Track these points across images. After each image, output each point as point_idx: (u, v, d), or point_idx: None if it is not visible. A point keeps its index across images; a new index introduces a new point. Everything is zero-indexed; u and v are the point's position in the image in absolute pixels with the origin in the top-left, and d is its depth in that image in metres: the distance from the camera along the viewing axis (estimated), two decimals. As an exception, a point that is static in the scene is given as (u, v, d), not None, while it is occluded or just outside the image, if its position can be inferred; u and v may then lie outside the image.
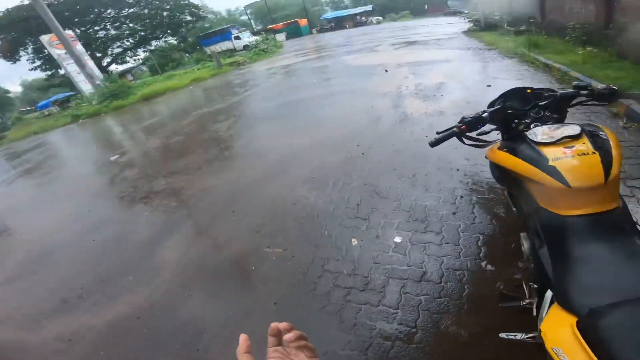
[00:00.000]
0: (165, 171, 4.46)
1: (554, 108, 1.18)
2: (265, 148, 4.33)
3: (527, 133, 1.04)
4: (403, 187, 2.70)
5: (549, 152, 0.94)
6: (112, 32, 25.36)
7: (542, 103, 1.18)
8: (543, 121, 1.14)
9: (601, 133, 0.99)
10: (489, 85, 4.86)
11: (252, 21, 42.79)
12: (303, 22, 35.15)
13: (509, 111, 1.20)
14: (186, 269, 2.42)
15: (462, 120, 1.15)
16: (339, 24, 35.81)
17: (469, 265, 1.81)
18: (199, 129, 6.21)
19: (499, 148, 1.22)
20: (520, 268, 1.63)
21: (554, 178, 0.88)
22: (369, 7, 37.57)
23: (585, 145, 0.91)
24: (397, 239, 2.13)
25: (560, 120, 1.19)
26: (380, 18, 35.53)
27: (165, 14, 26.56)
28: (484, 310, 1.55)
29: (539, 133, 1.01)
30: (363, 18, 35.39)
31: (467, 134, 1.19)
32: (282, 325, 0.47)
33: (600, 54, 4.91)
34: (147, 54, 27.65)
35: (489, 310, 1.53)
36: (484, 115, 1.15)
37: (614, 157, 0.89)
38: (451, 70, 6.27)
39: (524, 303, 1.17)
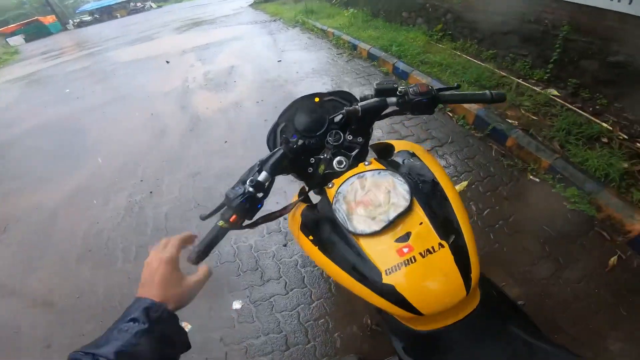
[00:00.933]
0: None
1: (357, 126, 0.81)
2: None
3: (335, 207, 0.67)
4: (215, 228, 1.91)
5: (378, 257, 0.60)
6: None
7: (338, 119, 0.81)
8: (346, 150, 0.80)
9: (424, 172, 0.73)
10: (280, 60, 4.57)
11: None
12: (49, 19, 26.34)
13: (299, 145, 0.78)
14: None
15: (229, 204, 0.60)
16: (107, 14, 28.99)
17: (327, 309, 1.55)
18: None
19: (302, 227, 0.77)
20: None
21: (399, 306, 0.58)
22: (146, -10, 32.07)
23: (423, 225, 0.61)
24: (237, 305, 1.68)
25: (366, 143, 0.85)
26: None
27: None
28: (368, 356, 1.36)
29: (351, 201, 0.66)
30: (139, 4, 29.90)
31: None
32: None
33: (360, 14, 5.39)
34: None
35: (373, 353, 1.36)
36: (260, 179, 0.65)
37: (465, 237, 0.62)
38: (240, 49, 5.65)
39: None
